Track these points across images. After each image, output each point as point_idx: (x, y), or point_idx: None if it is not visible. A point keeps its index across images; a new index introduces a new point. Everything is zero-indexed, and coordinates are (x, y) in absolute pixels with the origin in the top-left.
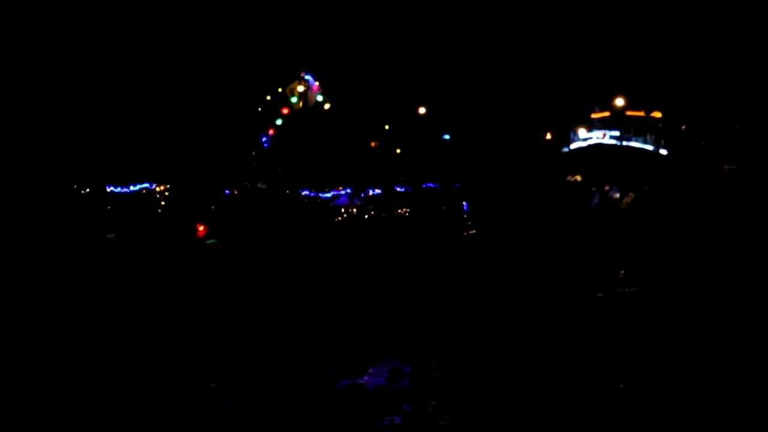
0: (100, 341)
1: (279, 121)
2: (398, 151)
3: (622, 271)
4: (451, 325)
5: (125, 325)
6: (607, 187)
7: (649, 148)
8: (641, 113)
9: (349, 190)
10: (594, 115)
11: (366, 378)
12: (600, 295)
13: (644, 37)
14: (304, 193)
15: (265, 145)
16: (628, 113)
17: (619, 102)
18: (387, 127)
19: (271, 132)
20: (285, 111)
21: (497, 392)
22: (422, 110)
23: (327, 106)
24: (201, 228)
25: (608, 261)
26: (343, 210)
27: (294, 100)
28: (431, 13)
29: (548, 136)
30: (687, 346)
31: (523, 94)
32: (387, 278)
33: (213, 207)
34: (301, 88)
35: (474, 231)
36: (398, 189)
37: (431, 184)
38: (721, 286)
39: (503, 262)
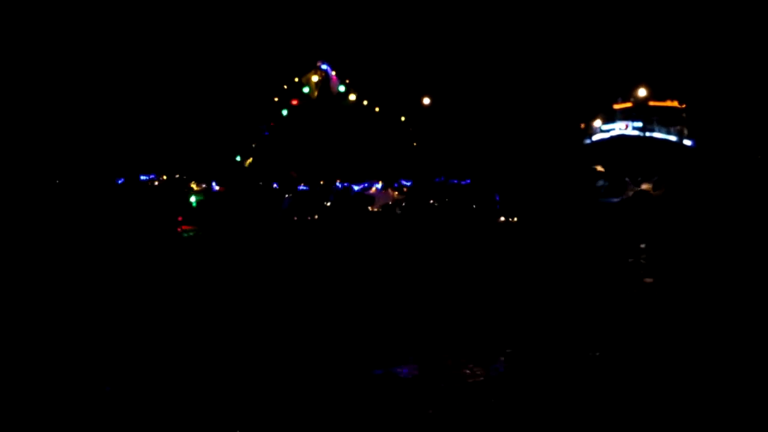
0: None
1: (285, 112)
2: (426, 143)
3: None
4: (484, 317)
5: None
6: (639, 178)
7: (673, 138)
8: (665, 103)
9: (378, 184)
10: (616, 106)
11: (400, 368)
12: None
13: (666, 27)
14: (338, 185)
15: (266, 133)
16: (651, 104)
17: (642, 92)
18: (403, 118)
19: (272, 123)
20: (294, 102)
21: (527, 387)
22: (448, 104)
23: (353, 97)
24: (181, 221)
25: (645, 255)
26: (375, 201)
27: (306, 90)
28: (453, 5)
29: (582, 126)
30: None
31: (546, 87)
32: (422, 267)
33: (193, 201)
34: (315, 78)
35: (507, 220)
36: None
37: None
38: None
39: (536, 254)
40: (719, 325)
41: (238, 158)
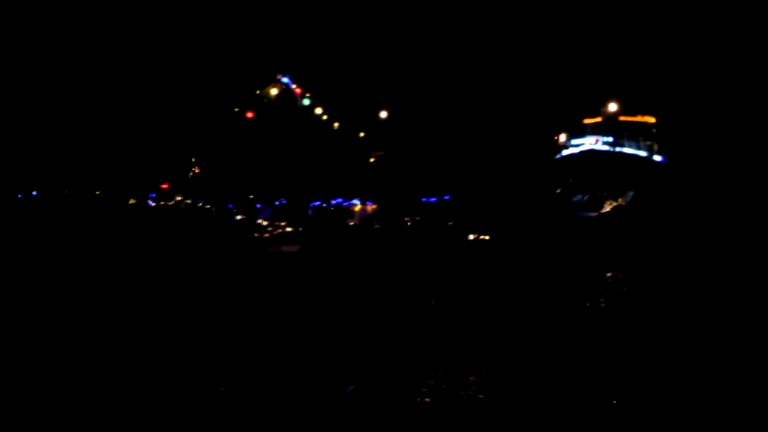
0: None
1: (238, 124)
2: (391, 160)
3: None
4: (459, 331)
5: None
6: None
7: (643, 154)
8: (636, 118)
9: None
10: (586, 121)
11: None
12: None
13: (637, 42)
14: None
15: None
16: (622, 119)
17: (612, 107)
18: (362, 134)
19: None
20: (249, 115)
21: (506, 400)
22: (413, 119)
23: (319, 110)
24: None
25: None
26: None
27: (265, 100)
28: (428, 21)
29: (561, 138)
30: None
31: (516, 102)
32: (399, 284)
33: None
34: (275, 91)
35: (478, 238)
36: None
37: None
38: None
39: (513, 269)
40: (691, 342)
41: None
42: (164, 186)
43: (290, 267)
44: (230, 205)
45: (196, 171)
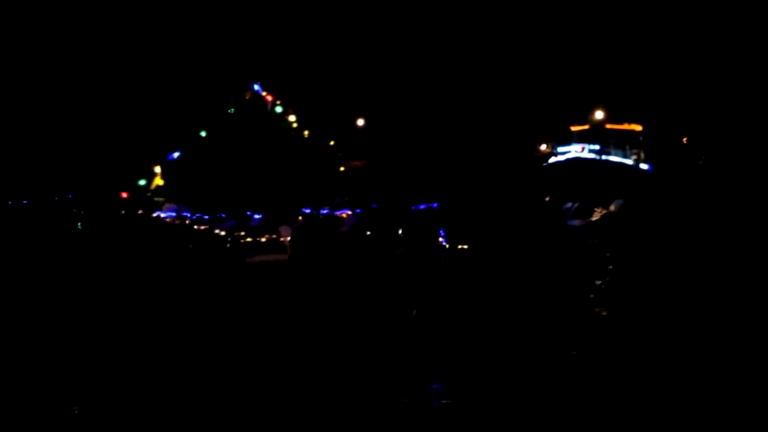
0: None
1: (203, 133)
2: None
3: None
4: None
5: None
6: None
7: (629, 162)
8: (622, 126)
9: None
10: (573, 128)
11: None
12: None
13: (624, 50)
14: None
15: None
16: (608, 126)
17: (599, 115)
18: (332, 143)
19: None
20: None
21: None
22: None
23: (292, 118)
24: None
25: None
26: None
27: (231, 111)
28: (418, 26)
29: (538, 148)
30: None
31: (504, 110)
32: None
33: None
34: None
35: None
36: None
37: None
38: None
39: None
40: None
41: (143, 182)
42: (123, 195)
43: (277, 277)
44: (222, 214)
45: (158, 182)
